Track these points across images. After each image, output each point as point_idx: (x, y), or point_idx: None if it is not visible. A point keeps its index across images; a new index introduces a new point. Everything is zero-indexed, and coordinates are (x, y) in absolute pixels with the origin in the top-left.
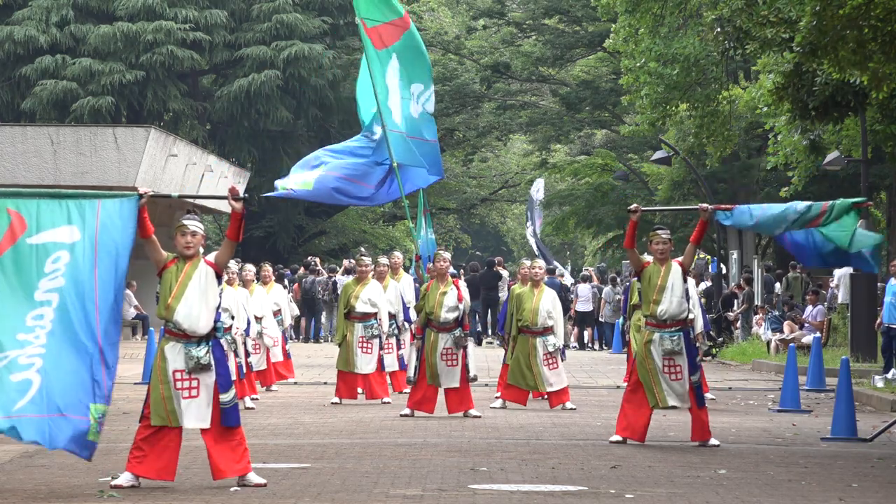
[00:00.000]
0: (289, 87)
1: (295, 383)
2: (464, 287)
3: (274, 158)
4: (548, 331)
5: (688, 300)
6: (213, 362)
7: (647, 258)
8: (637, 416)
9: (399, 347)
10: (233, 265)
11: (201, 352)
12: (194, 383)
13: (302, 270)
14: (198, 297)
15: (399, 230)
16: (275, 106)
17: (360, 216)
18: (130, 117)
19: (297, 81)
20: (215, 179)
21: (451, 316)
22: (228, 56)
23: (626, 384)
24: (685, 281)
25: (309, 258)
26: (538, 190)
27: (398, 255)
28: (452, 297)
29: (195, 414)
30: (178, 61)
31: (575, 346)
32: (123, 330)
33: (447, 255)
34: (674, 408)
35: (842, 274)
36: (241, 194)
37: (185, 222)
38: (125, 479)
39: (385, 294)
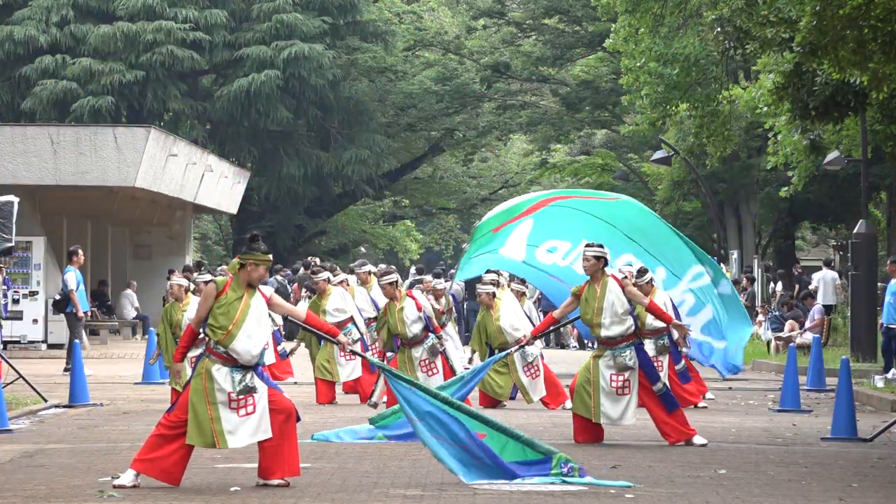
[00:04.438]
0: (289, 87)
1: (295, 383)
2: (419, 295)
3: (274, 158)
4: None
5: (631, 314)
6: (256, 382)
7: (580, 283)
8: (583, 420)
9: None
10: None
11: (247, 376)
12: (249, 401)
13: (302, 270)
14: (255, 328)
15: (399, 230)
16: (275, 106)
17: (361, 216)
18: (130, 117)
19: (297, 81)
20: (215, 179)
21: (417, 328)
22: (228, 56)
23: None
24: (625, 295)
25: (309, 258)
26: None
27: (368, 268)
28: (411, 309)
29: (251, 429)
30: (178, 61)
31: (575, 346)
32: (123, 330)
33: (392, 278)
34: (606, 423)
35: (821, 277)
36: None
37: (268, 255)
38: (128, 477)
39: (353, 300)
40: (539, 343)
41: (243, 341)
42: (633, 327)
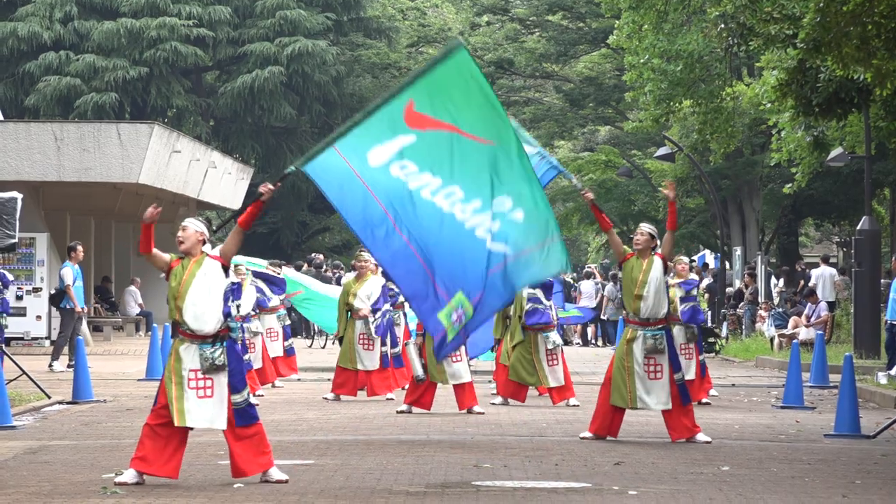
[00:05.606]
0: (292, 84)
1: (298, 380)
2: None
3: (277, 154)
4: (548, 327)
5: (667, 293)
6: (227, 363)
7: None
8: (611, 413)
9: (395, 344)
10: None
11: (216, 353)
12: (208, 383)
13: (305, 267)
14: (202, 295)
15: None
16: (278, 102)
17: None
18: (134, 113)
19: (301, 77)
20: (219, 176)
21: None
22: (232, 52)
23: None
24: (666, 273)
25: (313, 254)
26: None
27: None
28: None
29: (208, 414)
30: (182, 57)
31: (578, 343)
32: (126, 326)
33: None
34: (643, 409)
35: (819, 273)
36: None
37: (184, 222)
38: (129, 475)
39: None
40: (558, 337)
41: (189, 310)
42: (667, 312)
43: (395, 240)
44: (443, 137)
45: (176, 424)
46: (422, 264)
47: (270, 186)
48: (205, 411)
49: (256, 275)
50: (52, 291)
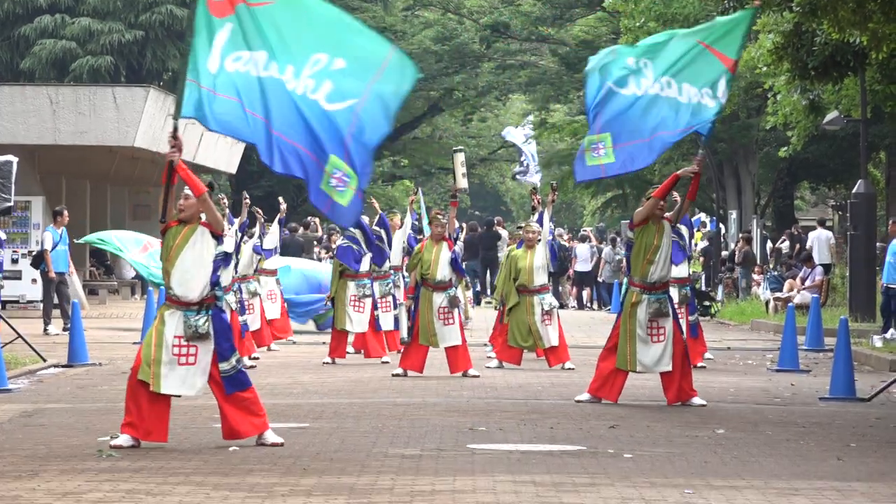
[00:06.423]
0: None
1: (293, 343)
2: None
3: None
4: (544, 289)
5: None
6: (211, 332)
7: None
8: (614, 376)
9: (396, 307)
10: None
11: (200, 321)
12: (192, 350)
13: (301, 231)
14: (191, 262)
15: (398, 190)
16: None
17: None
18: (130, 77)
19: None
20: (214, 139)
21: (447, 272)
22: None
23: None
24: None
25: (308, 218)
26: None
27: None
28: (447, 255)
29: (182, 380)
30: (178, 21)
31: (574, 307)
32: (122, 290)
33: (444, 221)
34: (642, 372)
35: (815, 236)
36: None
37: (187, 189)
38: (124, 439)
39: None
40: (553, 299)
41: (176, 275)
42: (670, 276)
43: (259, 126)
44: (243, 14)
45: (151, 389)
46: (293, 145)
47: (174, 150)
48: (181, 378)
49: (280, 222)
50: (34, 253)
